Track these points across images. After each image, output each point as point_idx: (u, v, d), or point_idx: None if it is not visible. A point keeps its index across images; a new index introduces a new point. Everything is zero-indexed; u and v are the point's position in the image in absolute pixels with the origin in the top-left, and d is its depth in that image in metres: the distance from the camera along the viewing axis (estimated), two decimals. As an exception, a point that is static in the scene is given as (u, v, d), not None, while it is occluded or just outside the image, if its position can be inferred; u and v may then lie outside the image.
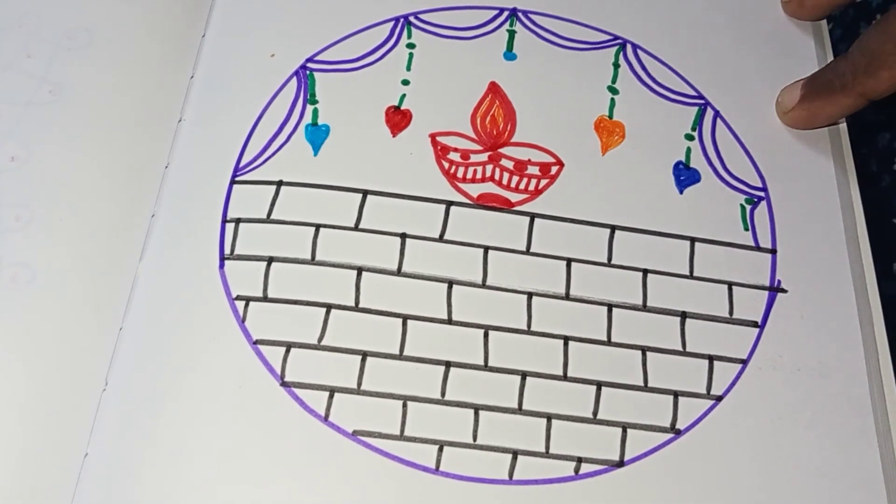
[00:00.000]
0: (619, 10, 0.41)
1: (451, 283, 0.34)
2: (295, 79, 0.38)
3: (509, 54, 0.39)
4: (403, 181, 0.35)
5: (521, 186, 0.36)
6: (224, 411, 0.31)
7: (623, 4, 0.41)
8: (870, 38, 0.35)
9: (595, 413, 0.32)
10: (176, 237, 0.34)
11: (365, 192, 0.35)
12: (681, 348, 0.34)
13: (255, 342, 0.32)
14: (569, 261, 0.35)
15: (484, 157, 0.36)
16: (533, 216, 0.35)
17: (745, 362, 0.34)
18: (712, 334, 0.34)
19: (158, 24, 0.39)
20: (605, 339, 0.33)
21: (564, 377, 0.33)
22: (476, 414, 0.32)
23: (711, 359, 0.33)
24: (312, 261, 0.34)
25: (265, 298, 0.33)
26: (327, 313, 0.33)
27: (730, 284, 0.35)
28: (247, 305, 0.33)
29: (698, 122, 0.38)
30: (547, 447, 0.32)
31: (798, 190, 0.37)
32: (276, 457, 0.30)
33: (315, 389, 0.32)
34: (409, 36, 0.39)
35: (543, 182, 0.36)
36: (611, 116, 0.38)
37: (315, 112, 0.37)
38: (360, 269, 0.34)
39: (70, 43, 0.38)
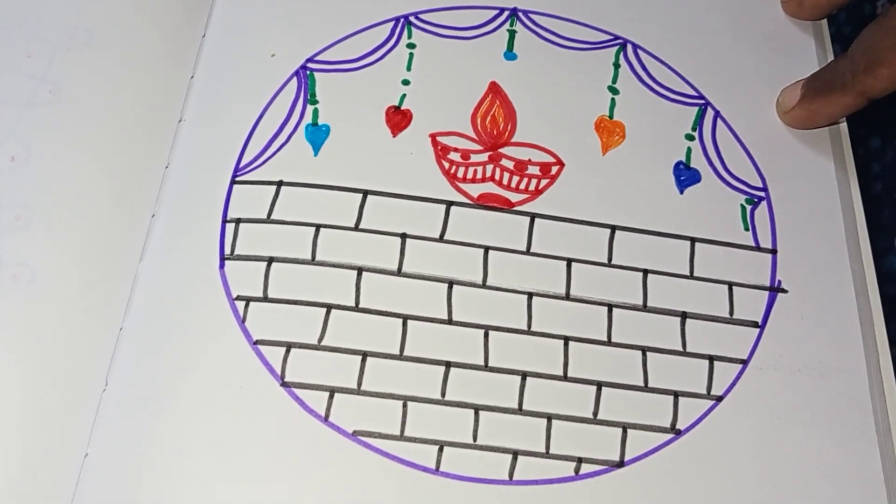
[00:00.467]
0: (619, 10, 0.41)
1: (451, 284, 0.34)
2: (295, 79, 0.38)
3: (510, 54, 0.39)
4: (404, 181, 0.35)
5: (522, 186, 0.36)
6: (224, 411, 0.31)
7: (623, 4, 0.41)
8: (869, 37, 0.35)
9: (595, 413, 0.32)
10: (176, 237, 0.34)
11: (365, 192, 0.35)
12: (681, 348, 0.34)
13: (256, 342, 0.32)
14: (569, 261, 0.35)
15: (484, 157, 0.36)
16: (533, 216, 0.35)
17: (745, 362, 0.33)
18: (712, 334, 0.34)
19: (159, 24, 0.39)
20: (605, 339, 0.33)
21: (565, 377, 0.33)
22: (476, 414, 0.32)
23: (712, 359, 0.33)
24: (313, 261, 0.34)
25: (265, 299, 0.33)
26: (327, 313, 0.33)
27: (730, 284, 0.35)
28: (247, 306, 0.33)
29: (698, 123, 0.38)
30: (547, 447, 0.32)
31: (798, 190, 0.37)
32: (277, 457, 0.30)
33: (315, 390, 0.32)
34: (410, 36, 0.39)
35: (544, 182, 0.36)
36: (611, 116, 0.38)
37: (315, 112, 0.37)
38: (360, 270, 0.34)
39: (70, 43, 0.38)
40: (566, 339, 0.33)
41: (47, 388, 0.32)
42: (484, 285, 0.34)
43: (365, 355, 0.32)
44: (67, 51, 0.38)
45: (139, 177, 0.36)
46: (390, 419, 0.31)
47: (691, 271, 0.35)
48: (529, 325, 0.33)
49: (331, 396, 0.32)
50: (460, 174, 0.36)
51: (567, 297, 0.34)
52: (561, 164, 0.36)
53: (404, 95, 0.37)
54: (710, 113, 0.39)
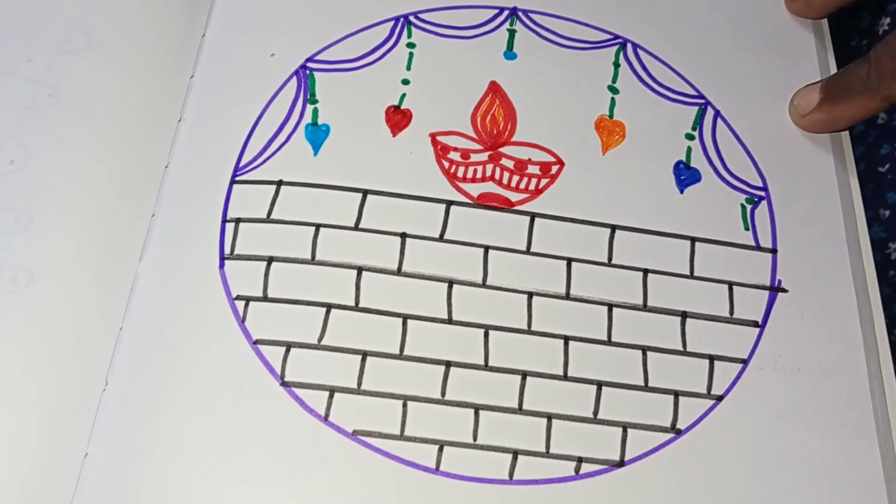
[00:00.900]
0: (619, 9, 0.41)
1: (451, 283, 0.34)
2: (295, 78, 0.38)
3: (509, 53, 0.39)
4: (403, 181, 0.35)
5: (522, 186, 0.36)
6: (224, 411, 0.31)
7: (623, 4, 0.41)
8: (894, 44, 0.35)
9: (595, 413, 0.32)
10: (176, 237, 0.34)
11: (365, 192, 0.35)
12: (681, 348, 0.34)
13: (255, 342, 0.32)
14: (569, 260, 0.35)
15: (484, 156, 0.36)
16: (533, 216, 0.35)
17: (745, 362, 0.33)
18: (713, 334, 0.34)
19: (158, 25, 0.39)
20: (605, 338, 0.33)
21: (565, 377, 0.33)
22: (476, 414, 0.32)
23: (712, 358, 0.33)
24: (312, 260, 0.34)
25: (265, 298, 0.33)
26: (327, 313, 0.33)
27: (730, 284, 0.35)
28: (247, 305, 0.33)
29: (699, 122, 0.38)
30: (547, 447, 0.32)
31: (799, 189, 0.37)
32: (277, 457, 0.30)
33: (315, 389, 0.32)
34: (410, 35, 0.39)
35: (544, 181, 0.36)
36: (611, 116, 0.38)
37: (315, 112, 0.37)
38: (360, 269, 0.34)
39: (69, 45, 0.38)
40: (566, 339, 0.33)
41: (47, 388, 0.32)
42: (484, 285, 0.34)
43: (365, 355, 0.32)
44: (67, 53, 0.38)
45: (139, 177, 0.36)
46: (390, 419, 0.31)
47: (691, 271, 0.35)
48: (529, 325, 0.33)
49: (331, 396, 0.32)
50: (460, 174, 0.36)
51: (567, 296, 0.34)
52: (561, 163, 0.36)
53: (404, 95, 0.37)
54: (710, 112, 0.38)
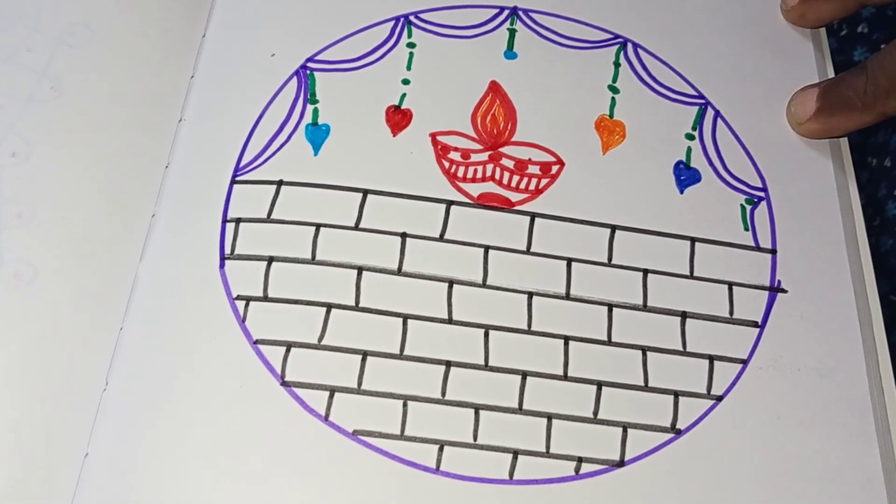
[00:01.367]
0: (619, 8, 0.41)
1: (451, 283, 0.34)
2: (295, 78, 0.38)
3: (510, 53, 0.39)
4: (404, 181, 0.35)
5: (522, 186, 0.36)
6: (224, 411, 0.31)
7: (623, 3, 0.41)
8: (890, 61, 0.35)
9: (595, 413, 0.32)
10: (176, 237, 0.34)
11: (365, 192, 0.35)
12: (681, 348, 0.34)
13: (256, 342, 0.32)
14: (569, 260, 0.35)
15: (484, 156, 0.36)
16: (533, 216, 0.35)
17: (745, 362, 0.33)
18: (712, 334, 0.34)
19: (159, 24, 0.39)
20: (605, 338, 0.33)
21: (565, 377, 0.33)
22: (476, 413, 0.32)
23: (712, 359, 0.33)
24: (313, 260, 0.34)
25: (265, 298, 0.33)
26: (327, 313, 0.33)
27: (730, 284, 0.35)
28: (247, 305, 0.33)
29: (699, 122, 0.38)
30: (547, 447, 0.32)
31: (798, 190, 0.37)
32: (277, 457, 0.30)
33: (315, 389, 0.32)
34: (410, 35, 0.39)
35: (544, 181, 0.36)
36: (611, 116, 0.38)
37: (315, 112, 0.37)
38: (360, 269, 0.34)
39: (71, 38, 0.38)
40: (566, 339, 0.33)
41: (48, 387, 0.32)
42: (484, 285, 0.34)
43: (365, 355, 0.32)
44: (69, 46, 0.38)
45: (139, 176, 0.36)
46: (390, 419, 0.31)
47: (691, 271, 0.35)
48: (530, 325, 0.33)
49: (331, 396, 0.32)
50: (460, 173, 0.36)
51: (567, 296, 0.34)
52: (561, 163, 0.36)
53: (404, 95, 0.37)
54: (710, 113, 0.38)
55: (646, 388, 0.33)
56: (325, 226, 0.34)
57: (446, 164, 0.36)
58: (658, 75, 0.39)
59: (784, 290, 0.35)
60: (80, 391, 0.32)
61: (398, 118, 0.37)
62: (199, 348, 0.32)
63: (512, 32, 0.40)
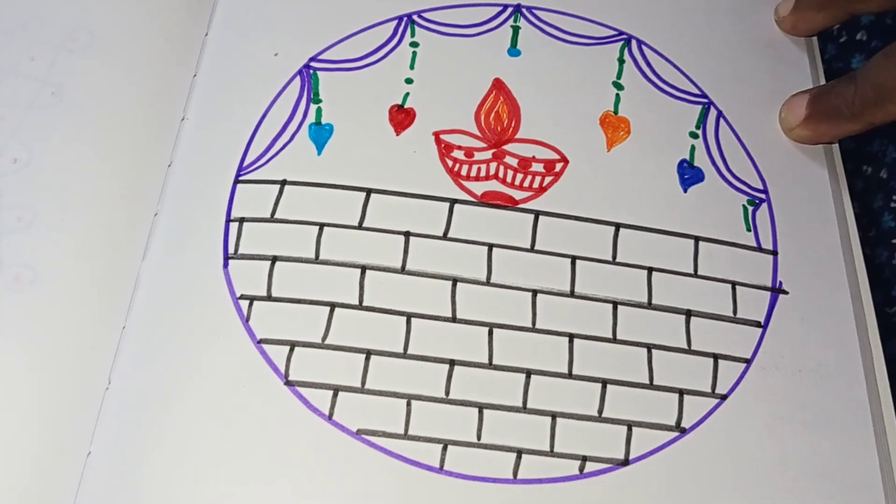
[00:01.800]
0: (623, 5, 0.41)
1: (455, 281, 0.34)
2: (298, 78, 0.37)
3: (513, 50, 0.39)
4: (407, 179, 0.35)
5: (526, 184, 0.36)
6: (227, 410, 0.31)
7: (627, 0, 0.41)
8: (877, 71, 0.35)
9: (600, 411, 0.32)
10: (179, 236, 0.34)
11: (369, 191, 0.35)
12: (686, 346, 0.33)
13: (259, 341, 0.32)
14: (573, 258, 0.34)
15: (488, 154, 0.36)
16: (537, 214, 0.35)
17: (748, 362, 0.33)
18: (717, 333, 0.34)
19: (161, 24, 0.39)
20: (610, 336, 0.33)
21: (569, 375, 0.33)
22: (480, 412, 0.32)
23: (716, 357, 0.33)
24: (316, 260, 0.34)
25: (269, 297, 0.33)
26: (331, 312, 0.33)
27: (733, 284, 0.35)
28: (250, 304, 0.33)
29: (702, 121, 0.38)
30: (551, 446, 0.31)
31: (796, 194, 0.37)
32: (280, 456, 0.30)
33: (319, 388, 0.32)
34: (413, 34, 0.39)
35: (548, 179, 0.36)
36: (616, 112, 0.38)
37: (318, 111, 0.37)
38: (363, 268, 0.34)
39: (72, 44, 0.38)
40: (571, 337, 0.33)
41: (50, 387, 0.32)
42: (488, 283, 0.34)
43: (369, 354, 0.32)
44: (69, 52, 0.38)
45: (142, 176, 0.36)
46: (394, 418, 0.31)
47: (695, 270, 0.35)
48: (534, 323, 0.33)
49: (334, 395, 0.31)
50: (464, 172, 0.36)
51: (571, 294, 0.34)
52: (565, 161, 0.36)
53: (407, 94, 0.37)
54: (713, 112, 0.38)
55: (651, 386, 0.33)
56: (329, 225, 0.34)
57: (450, 163, 0.36)
58: (662, 73, 0.39)
59: (785, 292, 0.35)
60: (83, 390, 0.32)
61: (401, 117, 0.37)
62: (202, 348, 0.32)
63: (515, 30, 0.40)
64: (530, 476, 0.31)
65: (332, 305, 0.33)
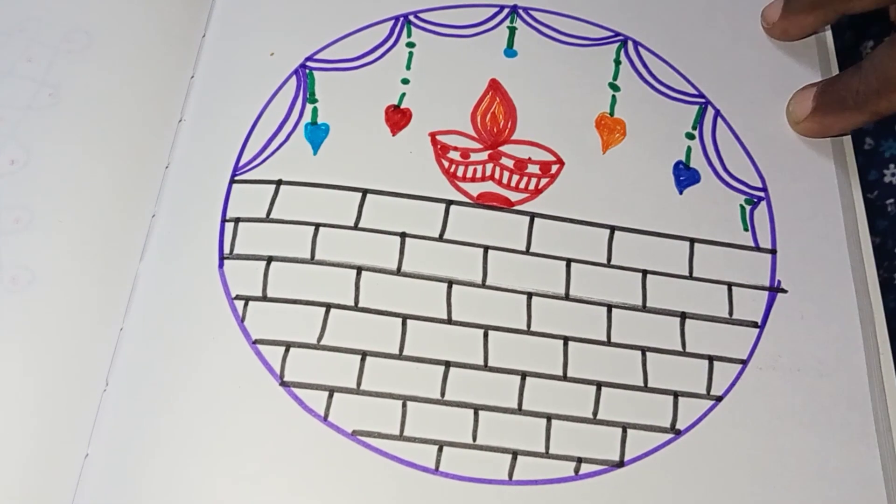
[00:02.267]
0: (619, 6, 0.41)
1: (450, 283, 0.34)
2: (294, 78, 0.37)
3: (510, 51, 0.39)
4: (403, 180, 0.35)
5: (522, 186, 0.36)
6: (223, 411, 0.31)
7: (624, 1, 0.41)
8: (882, 61, 0.35)
9: (595, 413, 0.32)
10: (176, 237, 0.34)
11: (364, 192, 0.35)
12: (681, 348, 0.33)
13: (255, 342, 0.32)
14: (568, 261, 0.34)
15: (484, 155, 0.36)
16: (533, 216, 0.35)
17: (745, 362, 0.33)
18: (712, 334, 0.34)
19: (159, 25, 0.39)
20: (604, 339, 0.33)
21: (564, 377, 0.33)
22: (476, 414, 0.32)
23: (711, 359, 0.33)
24: (312, 260, 0.34)
25: (264, 298, 0.33)
26: (327, 313, 0.33)
27: (729, 285, 0.35)
28: (246, 305, 0.33)
29: (699, 122, 0.38)
30: (547, 447, 0.32)
31: (798, 190, 0.37)
32: (276, 457, 0.30)
33: (314, 389, 0.32)
34: (409, 35, 0.39)
35: (544, 181, 0.36)
36: (612, 114, 0.38)
37: (314, 111, 0.37)
38: (359, 269, 0.34)
39: (69, 45, 0.38)
40: (566, 339, 0.33)
41: (48, 388, 0.32)
42: (483, 285, 0.34)
43: (364, 355, 0.32)
44: (67, 53, 0.38)
45: (139, 177, 0.36)
46: (390, 419, 0.31)
47: (690, 272, 0.35)
48: (529, 325, 0.33)
49: (330, 396, 0.32)
50: (460, 173, 0.36)
51: (566, 297, 0.34)
52: (561, 162, 0.36)
53: (404, 94, 0.37)
54: (710, 112, 0.38)
55: (645, 388, 0.33)
56: (325, 225, 0.34)
57: (446, 164, 0.36)
58: (658, 74, 0.39)
59: (784, 291, 0.35)
60: (81, 392, 0.32)
61: (397, 118, 0.37)
62: (198, 348, 0.32)
63: (512, 30, 0.39)
64: (526, 477, 0.31)
65: (328, 306, 0.33)
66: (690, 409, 0.33)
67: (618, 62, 0.39)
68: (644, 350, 0.33)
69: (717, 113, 0.38)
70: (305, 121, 0.36)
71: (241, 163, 0.35)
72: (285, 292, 0.33)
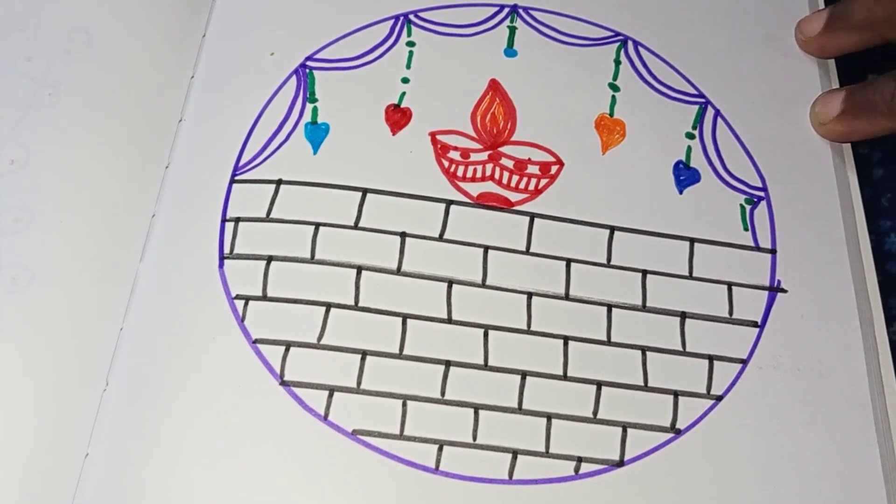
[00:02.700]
0: (620, 6, 0.41)
1: (450, 283, 0.34)
2: (294, 77, 0.37)
3: (510, 51, 0.39)
4: (403, 180, 0.35)
5: (521, 186, 0.36)
6: (224, 411, 0.31)
7: (624, 1, 0.41)
8: None
9: (595, 413, 0.32)
10: (176, 237, 0.34)
11: (364, 191, 0.35)
12: (681, 348, 0.33)
13: (255, 341, 0.32)
14: (568, 261, 0.34)
15: (484, 155, 0.36)
16: (533, 216, 0.35)
17: (745, 362, 0.33)
18: (712, 334, 0.34)
19: (159, 25, 0.39)
20: (604, 339, 0.33)
21: (564, 377, 0.33)
22: (476, 413, 0.32)
23: (711, 359, 0.33)
24: (312, 260, 0.34)
25: (265, 297, 0.33)
26: (327, 312, 0.33)
27: (729, 284, 0.35)
28: (246, 304, 0.33)
29: (699, 121, 0.38)
30: (547, 447, 0.32)
31: (798, 189, 0.37)
32: (276, 456, 0.30)
33: (314, 389, 0.32)
34: (409, 34, 0.39)
35: (543, 182, 0.36)
36: (612, 114, 0.38)
37: (314, 110, 0.37)
38: (359, 268, 0.34)
39: (70, 45, 0.38)
40: (566, 339, 0.33)
41: (48, 388, 0.32)
42: (483, 285, 0.34)
43: (364, 354, 0.32)
44: (67, 53, 0.38)
45: (139, 177, 0.36)
46: (390, 418, 0.31)
47: (690, 271, 0.35)
48: (529, 325, 0.33)
49: (330, 395, 0.32)
50: (460, 173, 0.36)
51: (566, 296, 0.34)
52: (560, 163, 0.36)
53: (404, 94, 0.37)
54: (710, 112, 0.38)
55: (645, 388, 0.33)
56: (325, 225, 0.34)
57: (446, 164, 0.36)
58: (658, 74, 0.39)
59: (784, 290, 0.35)
60: (81, 391, 0.32)
61: (397, 117, 0.37)
62: (198, 348, 0.32)
63: (512, 30, 0.39)
64: (526, 477, 0.31)
65: (328, 306, 0.33)
66: (690, 408, 0.33)
67: (618, 62, 0.39)
68: (644, 350, 0.33)
69: (717, 113, 0.38)
70: (305, 120, 0.36)
71: (242, 162, 0.35)
72: (285, 292, 0.33)
